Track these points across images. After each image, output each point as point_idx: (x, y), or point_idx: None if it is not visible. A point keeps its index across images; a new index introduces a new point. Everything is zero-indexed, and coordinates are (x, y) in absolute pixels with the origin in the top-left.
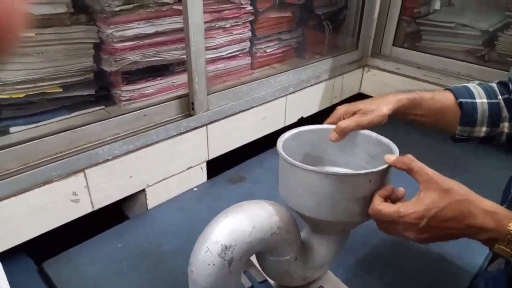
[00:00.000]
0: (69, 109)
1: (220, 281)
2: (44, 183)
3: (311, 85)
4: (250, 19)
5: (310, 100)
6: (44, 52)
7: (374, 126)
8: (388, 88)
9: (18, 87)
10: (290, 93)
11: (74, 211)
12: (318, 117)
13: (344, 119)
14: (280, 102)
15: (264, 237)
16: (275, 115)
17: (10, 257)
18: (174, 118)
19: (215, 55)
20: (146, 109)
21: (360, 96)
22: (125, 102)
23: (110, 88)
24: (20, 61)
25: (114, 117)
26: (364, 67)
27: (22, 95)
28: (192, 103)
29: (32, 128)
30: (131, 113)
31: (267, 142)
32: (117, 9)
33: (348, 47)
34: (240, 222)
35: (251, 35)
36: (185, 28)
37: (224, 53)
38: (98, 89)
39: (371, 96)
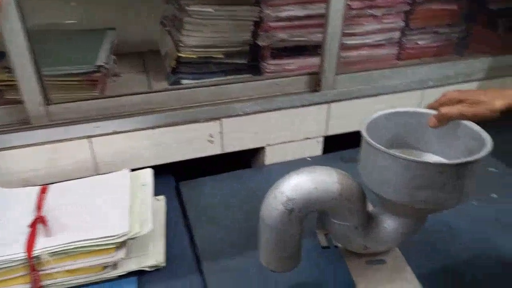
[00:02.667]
0: (226, 73)
1: (281, 224)
2: (191, 122)
3: (458, 83)
4: (406, 9)
5: None
6: (215, 24)
7: (480, 120)
8: None
9: (194, 49)
10: (429, 87)
11: (209, 149)
12: None
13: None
14: (414, 94)
15: (323, 199)
16: (405, 106)
17: (159, 172)
18: (302, 92)
19: (360, 41)
20: (279, 79)
21: None
22: (269, 74)
23: (260, 60)
24: (199, 30)
25: (252, 81)
26: None
27: (195, 56)
28: (320, 80)
29: (197, 82)
30: (266, 80)
31: None
32: None
33: None
34: (305, 182)
35: (403, 25)
36: (326, 13)
37: (369, 40)
38: (250, 60)
39: None
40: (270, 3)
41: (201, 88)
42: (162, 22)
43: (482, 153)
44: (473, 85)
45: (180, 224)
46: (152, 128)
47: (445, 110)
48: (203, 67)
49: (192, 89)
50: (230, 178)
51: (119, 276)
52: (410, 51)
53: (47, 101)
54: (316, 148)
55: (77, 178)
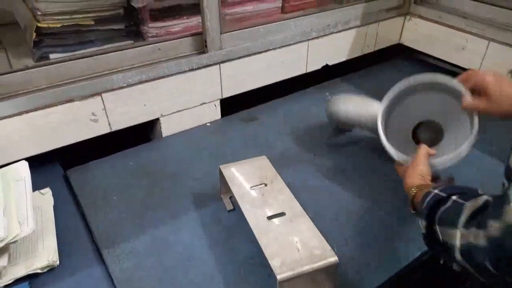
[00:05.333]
0: (102, 42)
1: None
2: (66, 102)
3: (338, 31)
4: None
5: (337, 48)
6: None
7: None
8: (431, 40)
9: (55, 17)
10: (313, 38)
11: (94, 129)
12: (347, 67)
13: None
14: (301, 46)
15: None
16: (295, 60)
17: (43, 161)
18: (188, 54)
19: None
20: (161, 43)
21: (400, 47)
22: (151, 39)
23: (140, 24)
24: None
25: (130, 48)
26: (406, 15)
27: (59, 25)
28: (205, 41)
29: (68, 55)
30: (146, 46)
31: (288, 86)
32: None
33: None
34: None
35: None
36: None
37: None
38: (128, 25)
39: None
40: None
41: (72, 62)
42: None
43: None
44: (352, 33)
45: (72, 215)
46: (23, 113)
47: (470, 102)
48: (72, 37)
49: (61, 64)
50: (124, 157)
51: (6, 285)
52: (293, 4)
53: None
54: (214, 113)
55: None
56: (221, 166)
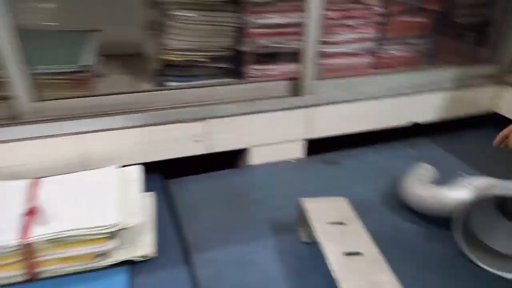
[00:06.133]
0: (210, 77)
1: None
2: (178, 122)
3: (428, 91)
4: (379, 20)
5: (425, 107)
6: (198, 29)
7: None
8: None
9: (179, 53)
10: (402, 95)
11: (194, 149)
12: (435, 127)
13: None
14: (388, 101)
15: None
16: (381, 113)
17: (148, 170)
18: (283, 96)
19: (336, 49)
20: (261, 83)
21: (495, 116)
22: (251, 79)
23: (243, 65)
24: (182, 34)
25: (236, 84)
26: (501, 83)
27: (179, 60)
28: (300, 86)
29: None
30: (249, 84)
31: (373, 137)
32: (261, 1)
33: (485, 60)
34: None
35: (376, 35)
36: (304, 22)
37: (345, 49)
38: (234, 65)
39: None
40: (252, 10)
41: (187, 90)
42: (146, 26)
43: None
44: (443, 95)
45: (168, 219)
46: (140, 126)
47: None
48: (188, 70)
49: (179, 90)
50: (217, 178)
51: (110, 265)
52: (384, 61)
53: (38, 98)
54: (298, 151)
55: (66, 173)
56: (301, 199)
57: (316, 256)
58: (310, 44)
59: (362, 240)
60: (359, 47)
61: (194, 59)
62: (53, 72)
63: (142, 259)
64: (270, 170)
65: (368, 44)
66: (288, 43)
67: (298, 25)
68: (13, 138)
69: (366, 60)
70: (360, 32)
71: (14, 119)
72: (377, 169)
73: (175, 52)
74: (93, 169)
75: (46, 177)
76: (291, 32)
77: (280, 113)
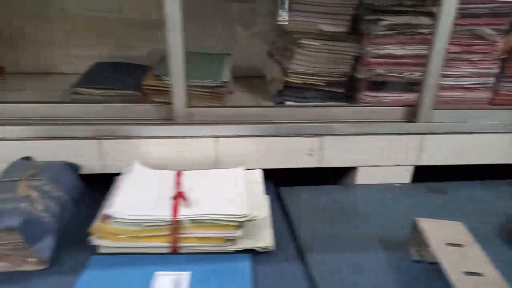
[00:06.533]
0: (324, 99)
1: None
2: (296, 135)
3: None
4: (502, 56)
5: None
6: (320, 56)
7: None
8: None
9: (300, 76)
10: None
11: (307, 161)
12: None
13: None
14: (504, 137)
15: None
16: (494, 149)
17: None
18: (398, 121)
19: (454, 83)
20: (378, 107)
21: None
22: (364, 104)
23: (356, 91)
24: (305, 60)
25: (353, 106)
26: None
27: (300, 82)
28: (416, 113)
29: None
30: (365, 107)
31: (479, 171)
32: (381, 33)
33: None
34: None
35: (498, 71)
36: (429, 53)
37: (463, 83)
38: (348, 90)
39: None
40: (372, 41)
41: (307, 108)
42: (270, 53)
43: None
44: None
45: (281, 221)
46: (264, 136)
47: None
48: (305, 92)
49: (299, 108)
50: (325, 191)
51: (235, 251)
52: (504, 98)
53: (189, 105)
54: (405, 176)
55: (201, 169)
56: (417, 219)
57: (429, 275)
58: (431, 76)
59: (482, 261)
60: (478, 82)
61: (312, 82)
62: (201, 85)
63: (262, 250)
64: (377, 191)
65: (486, 79)
66: (405, 73)
67: (416, 56)
68: (167, 135)
69: (483, 95)
70: (480, 67)
71: (170, 120)
72: (486, 204)
73: (296, 75)
74: (223, 168)
75: (186, 170)
76: (409, 63)
77: (392, 137)
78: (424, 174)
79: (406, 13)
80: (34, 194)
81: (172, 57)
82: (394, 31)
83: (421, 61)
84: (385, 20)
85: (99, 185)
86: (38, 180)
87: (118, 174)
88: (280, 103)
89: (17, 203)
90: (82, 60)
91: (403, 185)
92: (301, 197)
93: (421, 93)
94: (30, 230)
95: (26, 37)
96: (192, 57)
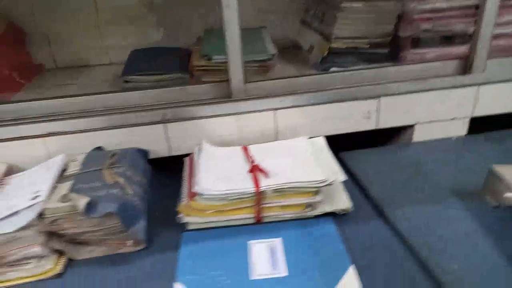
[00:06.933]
0: (369, 62)
1: None
2: (353, 99)
3: None
4: None
5: None
6: (363, 18)
7: None
8: None
9: (343, 40)
10: None
11: (364, 124)
12: None
13: None
14: None
15: None
16: None
17: None
18: (450, 74)
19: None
20: (428, 63)
21: None
22: (408, 63)
23: (401, 50)
24: (348, 23)
25: (406, 64)
26: None
27: (344, 46)
28: (470, 65)
29: (341, 70)
30: (416, 64)
31: None
32: None
33: None
34: None
35: None
36: (481, 4)
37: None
38: (393, 50)
39: None
40: None
41: (358, 72)
42: (304, 21)
43: None
44: None
45: (350, 184)
46: (320, 103)
47: None
48: (349, 56)
49: (351, 72)
50: (385, 152)
51: (316, 216)
52: None
53: (245, 81)
54: (461, 128)
55: (262, 143)
56: (495, 165)
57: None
58: (486, 26)
59: None
60: None
61: (356, 46)
62: (251, 60)
63: (342, 212)
64: (436, 145)
65: None
66: (451, 26)
67: (463, 7)
68: (228, 113)
69: None
70: None
71: (229, 97)
72: None
73: (340, 40)
74: (284, 139)
75: (250, 144)
76: (456, 15)
77: (447, 91)
78: (481, 124)
79: None
80: (121, 180)
81: (228, 34)
82: None
83: (469, 12)
84: None
85: (160, 167)
86: (119, 167)
87: (181, 156)
88: (326, 70)
89: (109, 189)
90: (116, 50)
91: (459, 138)
92: (363, 159)
93: (474, 44)
94: (125, 214)
95: (59, 32)
96: None
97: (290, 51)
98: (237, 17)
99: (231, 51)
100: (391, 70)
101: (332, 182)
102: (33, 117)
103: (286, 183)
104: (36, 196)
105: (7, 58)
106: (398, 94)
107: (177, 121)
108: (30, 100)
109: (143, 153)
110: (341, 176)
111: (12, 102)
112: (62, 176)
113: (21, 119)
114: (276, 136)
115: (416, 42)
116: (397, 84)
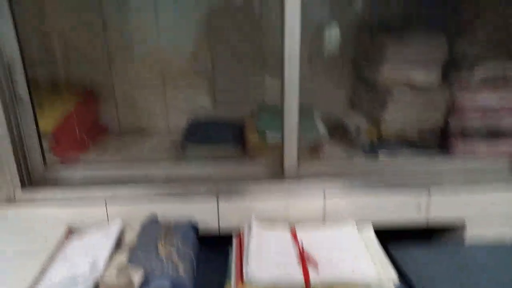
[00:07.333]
0: (417, 150)
1: None
2: (401, 188)
3: None
4: None
5: None
6: (413, 106)
7: None
8: None
9: (392, 126)
10: None
11: (414, 218)
12: None
13: None
14: None
15: None
16: None
17: None
18: (505, 173)
19: None
20: (481, 159)
21: None
22: (459, 154)
23: (449, 141)
24: (398, 110)
25: (454, 159)
26: None
27: (393, 132)
28: None
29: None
30: (468, 159)
31: None
32: (474, 82)
33: None
34: None
35: None
36: None
37: None
38: (441, 140)
39: None
40: (467, 90)
41: (411, 159)
42: (351, 102)
43: None
44: None
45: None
46: (372, 190)
47: None
48: (398, 142)
49: (404, 159)
50: (435, 250)
51: None
52: None
53: (298, 160)
54: None
55: (311, 224)
56: None
57: None
58: None
59: None
60: None
61: (405, 133)
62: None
63: None
64: (490, 251)
65: None
66: (501, 122)
67: None
68: (278, 192)
69: None
70: None
71: (281, 176)
72: None
73: (389, 126)
74: (330, 223)
75: (298, 225)
76: (507, 111)
77: (501, 192)
78: None
79: (501, 63)
80: (174, 255)
81: (286, 111)
82: (489, 81)
83: None
84: (480, 70)
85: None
86: (173, 241)
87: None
88: (374, 154)
89: (162, 265)
90: (175, 116)
91: None
92: (414, 257)
93: None
94: None
95: (127, 97)
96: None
97: (336, 130)
98: (297, 95)
99: (288, 129)
100: (441, 162)
101: (384, 283)
102: (97, 180)
103: (337, 277)
104: (94, 265)
105: (82, 121)
106: (450, 187)
107: (230, 196)
108: (95, 164)
109: (195, 227)
110: (393, 276)
111: (79, 165)
112: (119, 245)
113: (86, 181)
114: (323, 218)
115: (466, 134)
116: (448, 177)
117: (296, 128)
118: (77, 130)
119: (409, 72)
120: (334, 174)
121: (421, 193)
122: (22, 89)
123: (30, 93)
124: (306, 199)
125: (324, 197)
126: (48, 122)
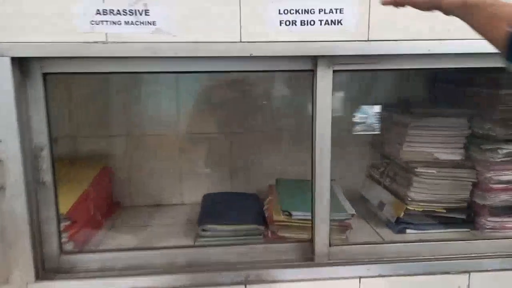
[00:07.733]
0: (445, 226)
1: None
2: (440, 273)
3: None
4: None
5: None
6: (438, 183)
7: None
8: None
9: (420, 203)
10: None
11: None
12: None
13: None
14: None
15: None
16: None
17: None
18: None
19: None
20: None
21: None
22: (487, 230)
23: (476, 217)
24: (424, 187)
25: (495, 239)
26: None
27: (420, 209)
28: None
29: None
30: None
31: None
32: (499, 160)
33: None
34: None
35: None
36: None
37: None
38: (469, 216)
39: None
40: (490, 168)
41: (448, 242)
42: (370, 176)
43: None
44: None
45: None
46: (409, 275)
47: None
48: (426, 219)
49: (441, 242)
50: None
51: None
52: None
53: (329, 242)
54: None
55: None
56: None
57: None
58: None
59: None
60: None
61: (433, 209)
62: (332, 219)
63: None
64: None
65: None
66: None
67: None
68: (309, 278)
69: None
70: None
71: (311, 260)
72: None
73: (417, 203)
74: None
75: None
76: None
77: None
78: None
79: None
80: None
81: (318, 196)
82: None
83: None
84: (505, 148)
85: None
86: None
87: None
88: (401, 232)
89: None
90: (189, 191)
91: None
92: None
93: None
94: None
95: (141, 172)
96: (301, 184)
97: (356, 203)
98: (329, 175)
99: (319, 211)
100: (481, 242)
101: None
102: (114, 268)
103: None
104: None
105: (96, 198)
106: (491, 271)
107: (259, 284)
108: (111, 252)
109: None
110: None
111: (95, 252)
112: None
113: (103, 269)
114: None
115: (495, 210)
116: (489, 261)
117: (327, 209)
118: (92, 209)
119: (433, 151)
120: (369, 258)
121: (461, 277)
122: (47, 174)
123: (54, 177)
124: (340, 286)
125: (360, 284)
126: (65, 203)
